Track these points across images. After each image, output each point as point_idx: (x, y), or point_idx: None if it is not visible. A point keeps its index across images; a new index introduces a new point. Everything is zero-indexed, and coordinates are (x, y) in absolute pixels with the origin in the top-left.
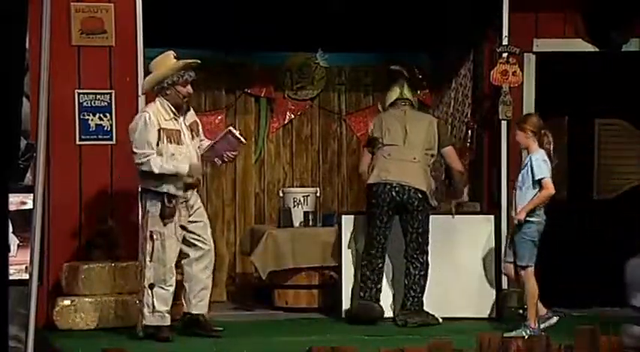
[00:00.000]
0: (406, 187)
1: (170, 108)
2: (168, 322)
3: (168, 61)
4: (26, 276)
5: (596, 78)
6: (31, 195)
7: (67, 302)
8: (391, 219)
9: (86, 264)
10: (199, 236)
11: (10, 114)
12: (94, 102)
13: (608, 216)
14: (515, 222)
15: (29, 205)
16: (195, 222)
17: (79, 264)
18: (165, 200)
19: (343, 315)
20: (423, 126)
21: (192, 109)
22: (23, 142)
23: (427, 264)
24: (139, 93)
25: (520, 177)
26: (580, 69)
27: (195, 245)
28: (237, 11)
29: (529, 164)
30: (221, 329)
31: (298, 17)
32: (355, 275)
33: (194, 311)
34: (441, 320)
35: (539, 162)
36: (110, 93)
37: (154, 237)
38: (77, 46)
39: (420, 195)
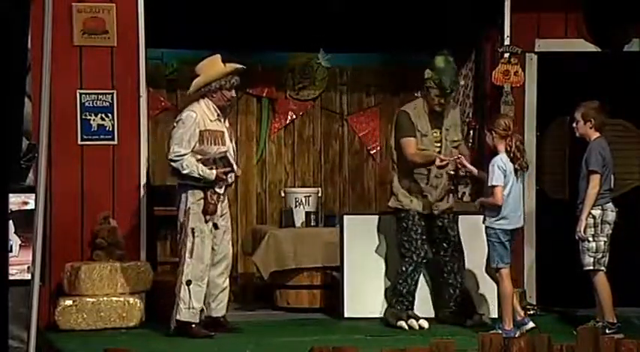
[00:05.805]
0: None
1: (215, 110)
2: (198, 319)
3: (217, 65)
4: (28, 276)
5: (598, 78)
6: (33, 195)
7: (68, 302)
8: None
9: (88, 264)
10: (221, 241)
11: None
12: (96, 103)
13: None
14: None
15: (31, 205)
16: (221, 225)
17: (81, 264)
18: (209, 196)
19: (345, 315)
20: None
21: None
22: (25, 142)
23: None
24: (141, 93)
25: None
26: (582, 69)
27: (213, 249)
28: (238, 11)
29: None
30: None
31: (300, 17)
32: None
33: (214, 315)
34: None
35: (494, 168)
36: (112, 94)
37: (196, 233)
38: (79, 46)
39: None
